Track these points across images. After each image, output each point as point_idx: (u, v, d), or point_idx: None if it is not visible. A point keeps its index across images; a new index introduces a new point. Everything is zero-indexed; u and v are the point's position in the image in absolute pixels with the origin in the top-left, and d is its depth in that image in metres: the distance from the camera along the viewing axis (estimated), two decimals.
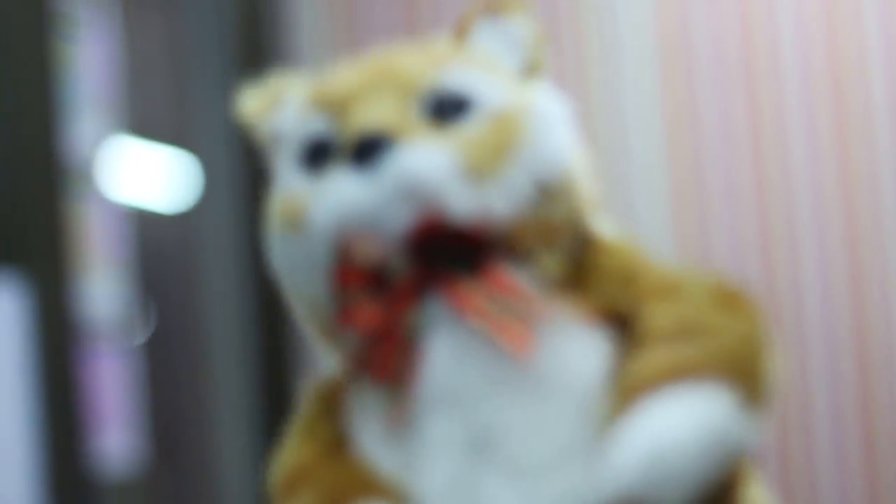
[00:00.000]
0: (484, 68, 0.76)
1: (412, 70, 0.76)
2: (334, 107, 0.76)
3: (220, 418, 2.21)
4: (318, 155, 0.76)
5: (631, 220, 2.03)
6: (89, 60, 2.16)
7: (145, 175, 2.23)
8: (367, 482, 0.74)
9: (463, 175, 0.72)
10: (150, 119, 2.23)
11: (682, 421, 0.66)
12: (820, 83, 2.05)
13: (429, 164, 0.72)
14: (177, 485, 2.21)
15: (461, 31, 0.80)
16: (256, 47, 2.20)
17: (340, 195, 0.73)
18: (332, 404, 0.79)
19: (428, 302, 0.73)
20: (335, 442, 0.78)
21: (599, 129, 2.09)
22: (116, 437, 2.18)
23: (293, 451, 0.79)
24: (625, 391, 0.69)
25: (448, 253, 0.73)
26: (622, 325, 0.74)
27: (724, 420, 0.67)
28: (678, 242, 2.05)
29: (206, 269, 2.22)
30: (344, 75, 0.78)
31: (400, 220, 0.72)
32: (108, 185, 2.21)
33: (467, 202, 0.72)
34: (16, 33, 1.81)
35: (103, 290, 2.20)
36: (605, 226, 0.79)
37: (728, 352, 0.69)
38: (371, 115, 0.74)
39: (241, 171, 2.18)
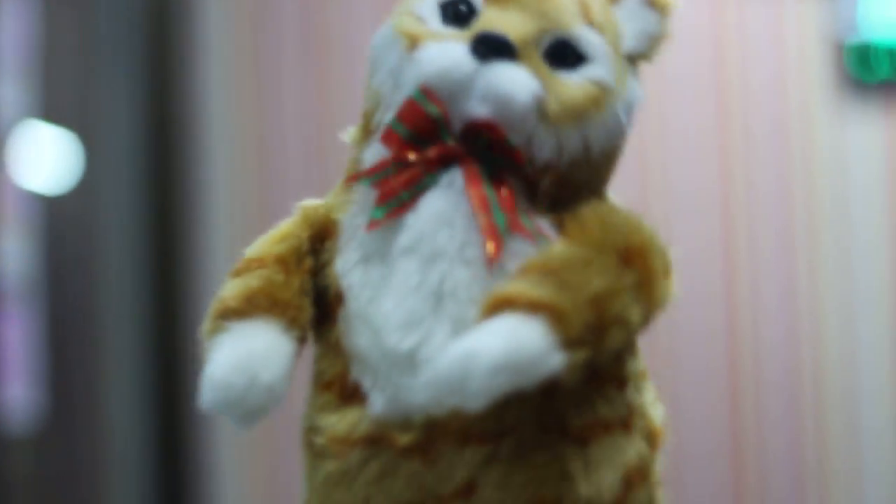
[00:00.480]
0: (609, 39, 0.84)
1: (564, 9, 0.83)
2: None
3: (114, 375, 2.28)
4: (457, 7, 0.82)
5: None
6: (5, 35, 2.18)
7: (49, 144, 2.28)
8: (277, 298, 0.82)
9: (540, 111, 0.80)
10: (54, 99, 2.29)
11: (498, 335, 0.74)
12: (704, 93, 2.15)
13: (526, 90, 0.80)
14: (72, 437, 2.28)
15: None
16: (163, 39, 2.27)
17: (453, 54, 0.80)
18: (317, 226, 0.85)
19: (448, 171, 0.81)
20: (298, 255, 0.84)
21: None
22: (17, 391, 2.24)
23: (263, 245, 0.85)
24: (483, 308, 0.77)
25: (487, 151, 0.80)
26: None
27: (532, 348, 0.74)
28: None
29: (102, 238, 2.29)
30: None
31: (476, 109, 0.80)
32: (13, 154, 2.24)
33: (530, 132, 0.80)
34: None
35: (7, 251, 2.25)
36: (612, 197, 0.86)
37: (576, 303, 0.76)
38: (511, 24, 0.81)
39: (135, 152, 2.27)
